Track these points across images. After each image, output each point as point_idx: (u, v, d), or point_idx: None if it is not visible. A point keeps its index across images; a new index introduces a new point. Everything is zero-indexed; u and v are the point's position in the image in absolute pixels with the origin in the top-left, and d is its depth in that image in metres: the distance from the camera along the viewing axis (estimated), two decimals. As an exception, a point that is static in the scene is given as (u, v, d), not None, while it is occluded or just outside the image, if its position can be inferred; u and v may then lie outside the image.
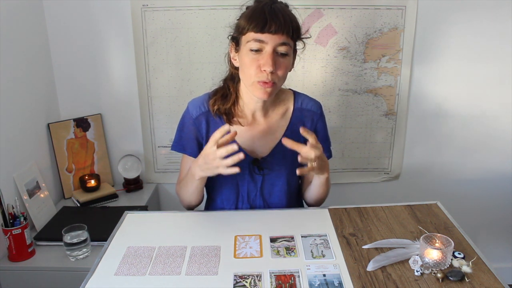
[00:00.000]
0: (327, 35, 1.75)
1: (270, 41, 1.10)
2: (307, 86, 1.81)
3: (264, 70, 1.12)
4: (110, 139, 1.90)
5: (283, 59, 1.14)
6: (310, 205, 1.37)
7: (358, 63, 1.79)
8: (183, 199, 1.32)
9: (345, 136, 1.90)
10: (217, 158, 1.07)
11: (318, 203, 1.34)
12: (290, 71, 1.20)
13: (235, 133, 1.11)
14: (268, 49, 1.11)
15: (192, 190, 1.25)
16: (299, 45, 1.22)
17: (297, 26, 1.15)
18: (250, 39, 1.12)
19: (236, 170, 1.08)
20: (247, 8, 1.18)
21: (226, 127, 1.08)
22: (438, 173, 1.98)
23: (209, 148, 1.09)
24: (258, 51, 1.12)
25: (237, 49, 1.19)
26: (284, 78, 1.18)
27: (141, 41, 1.75)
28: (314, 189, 1.30)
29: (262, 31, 1.10)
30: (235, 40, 1.19)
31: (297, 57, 1.24)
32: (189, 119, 1.27)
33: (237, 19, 1.18)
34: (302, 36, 1.20)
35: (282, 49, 1.12)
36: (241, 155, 1.05)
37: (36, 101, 1.68)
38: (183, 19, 1.72)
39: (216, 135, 1.08)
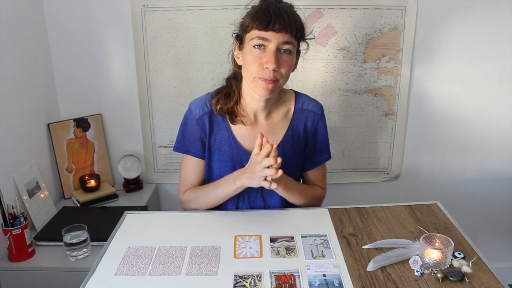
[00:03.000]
0: (327, 35, 1.75)
1: (273, 39, 1.11)
2: (307, 86, 1.81)
3: (267, 68, 1.12)
4: (110, 139, 1.90)
5: (287, 58, 1.14)
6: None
7: (358, 63, 1.79)
8: (201, 204, 1.28)
9: (345, 136, 1.90)
10: (262, 168, 1.09)
11: (305, 206, 1.33)
12: (293, 71, 1.20)
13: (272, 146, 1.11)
14: (271, 47, 1.11)
15: (224, 196, 1.23)
16: (303, 46, 1.22)
17: (301, 26, 1.15)
18: (254, 36, 1.12)
19: (274, 186, 1.11)
20: (252, 7, 1.18)
21: (270, 147, 1.09)
22: (438, 173, 1.98)
23: (256, 157, 1.12)
24: (261, 48, 1.12)
25: (240, 47, 1.20)
26: (287, 76, 1.18)
27: (141, 41, 1.75)
28: (286, 197, 1.28)
29: (266, 29, 1.10)
30: (239, 38, 1.20)
31: (300, 58, 1.24)
32: (192, 119, 1.27)
33: (242, 18, 1.19)
34: (306, 37, 1.20)
35: (285, 47, 1.13)
36: (280, 172, 1.08)
37: (36, 101, 1.68)
38: (183, 19, 1.72)
39: (264, 152, 1.10)
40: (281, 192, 1.24)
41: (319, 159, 1.35)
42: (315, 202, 1.34)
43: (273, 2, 1.14)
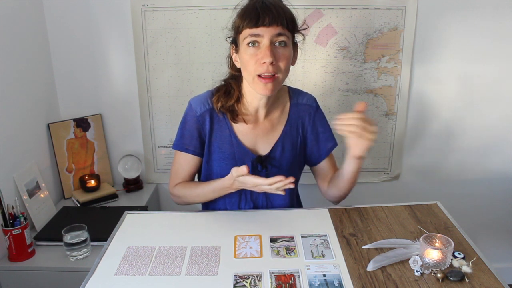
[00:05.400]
0: (327, 35, 1.75)
1: (265, 33, 1.11)
2: (307, 86, 1.81)
3: (264, 63, 1.12)
4: (110, 139, 1.90)
5: (283, 50, 1.14)
6: (335, 201, 1.35)
7: (358, 63, 1.79)
8: (190, 201, 1.32)
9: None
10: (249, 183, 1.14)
11: (338, 201, 1.33)
12: (293, 64, 1.20)
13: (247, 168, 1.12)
14: (265, 41, 1.12)
15: (217, 195, 1.26)
16: (299, 37, 1.22)
17: (291, 17, 1.15)
18: (246, 35, 1.13)
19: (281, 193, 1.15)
20: (241, 8, 1.18)
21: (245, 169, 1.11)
22: (438, 173, 1.98)
23: (244, 179, 1.14)
24: (255, 45, 1.13)
25: (237, 50, 1.20)
26: (286, 70, 1.17)
27: (141, 41, 1.75)
28: (345, 181, 1.25)
29: (256, 25, 1.10)
30: (234, 42, 1.20)
31: (299, 50, 1.24)
32: (193, 117, 1.27)
33: (233, 21, 1.19)
34: (300, 28, 1.20)
35: (279, 40, 1.13)
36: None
37: (36, 101, 1.68)
38: (183, 19, 1.72)
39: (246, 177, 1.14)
40: (355, 172, 1.23)
41: (326, 148, 1.35)
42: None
43: None
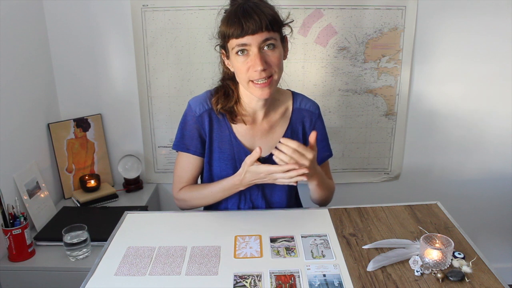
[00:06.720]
0: (327, 35, 1.75)
1: (252, 41, 1.11)
2: (307, 86, 1.81)
3: (256, 71, 1.12)
4: (110, 139, 1.90)
5: (272, 53, 1.14)
6: (317, 204, 1.37)
7: (358, 63, 1.79)
8: (196, 204, 1.31)
9: (345, 136, 1.90)
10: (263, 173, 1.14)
11: (321, 204, 1.35)
12: (285, 59, 1.20)
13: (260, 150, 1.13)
14: (253, 49, 1.12)
15: (226, 194, 1.26)
16: (286, 30, 1.21)
17: (274, 17, 1.14)
18: (233, 45, 1.13)
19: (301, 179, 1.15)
20: (224, 12, 1.18)
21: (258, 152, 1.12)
22: (438, 173, 1.98)
23: (257, 168, 1.14)
24: (244, 53, 1.13)
25: (228, 56, 1.20)
26: (280, 69, 1.17)
27: (141, 41, 1.75)
28: (311, 192, 1.30)
29: (241, 35, 1.10)
30: (224, 47, 1.20)
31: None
32: (192, 117, 1.27)
33: (219, 27, 1.18)
34: (285, 22, 1.19)
35: (267, 44, 1.12)
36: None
37: (36, 101, 1.68)
38: (183, 19, 1.72)
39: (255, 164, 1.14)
40: (313, 186, 1.25)
41: (321, 157, 1.35)
42: (331, 195, 1.35)
43: (241, 3, 1.13)
